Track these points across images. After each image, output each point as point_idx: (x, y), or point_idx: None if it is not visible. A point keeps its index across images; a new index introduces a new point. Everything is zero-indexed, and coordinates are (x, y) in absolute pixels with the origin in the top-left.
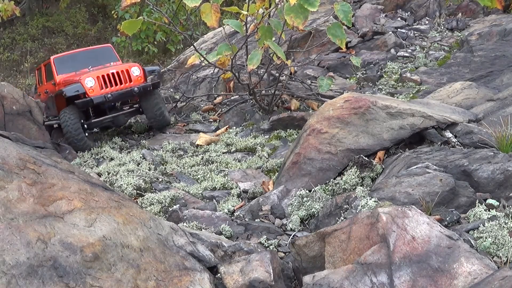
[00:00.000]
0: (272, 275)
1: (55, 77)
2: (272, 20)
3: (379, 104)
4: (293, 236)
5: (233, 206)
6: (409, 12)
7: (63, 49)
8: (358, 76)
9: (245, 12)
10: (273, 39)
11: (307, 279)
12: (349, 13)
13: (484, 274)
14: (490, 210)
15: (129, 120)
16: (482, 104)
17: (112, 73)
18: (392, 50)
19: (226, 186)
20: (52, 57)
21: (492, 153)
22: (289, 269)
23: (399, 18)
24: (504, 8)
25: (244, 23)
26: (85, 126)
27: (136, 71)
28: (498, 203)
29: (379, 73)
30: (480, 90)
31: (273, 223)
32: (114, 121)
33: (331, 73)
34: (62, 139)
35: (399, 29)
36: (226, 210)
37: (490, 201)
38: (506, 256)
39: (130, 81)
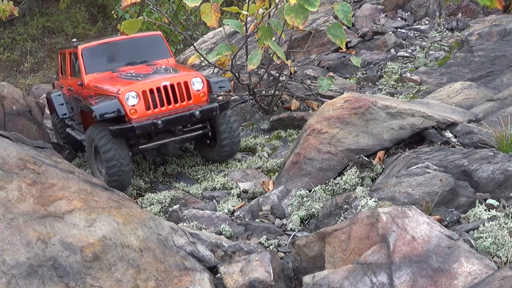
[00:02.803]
0: (272, 275)
1: (83, 76)
2: (272, 20)
3: (379, 104)
4: (293, 236)
5: (233, 206)
6: (409, 12)
7: None
8: (358, 76)
9: (245, 12)
10: (273, 39)
11: (307, 279)
12: (349, 13)
13: (484, 274)
14: (490, 210)
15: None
16: (482, 104)
17: (165, 87)
18: (392, 50)
19: (226, 186)
20: (80, 47)
21: (492, 153)
22: (289, 269)
23: (399, 18)
24: (504, 8)
25: (244, 23)
26: (129, 153)
27: (198, 84)
28: (498, 203)
29: (379, 73)
30: (480, 90)
31: (273, 223)
32: (162, 149)
33: (331, 73)
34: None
35: (399, 29)
36: (226, 210)
37: (490, 201)
38: (506, 256)
39: (189, 98)
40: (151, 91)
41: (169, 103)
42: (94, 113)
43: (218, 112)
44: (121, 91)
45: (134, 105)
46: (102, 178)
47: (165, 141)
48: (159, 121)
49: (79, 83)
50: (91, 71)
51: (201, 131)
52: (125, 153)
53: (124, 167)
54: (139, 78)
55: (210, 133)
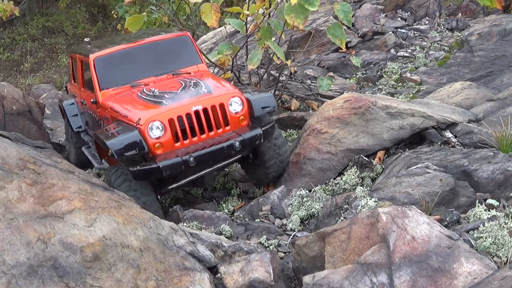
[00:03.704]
0: (272, 275)
1: (97, 93)
2: (272, 20)
3: (379, 104)
4: (293, 236)
5: (233, 206)
6: (409, 12)
7: (63, 49)
8: (358, 76)
9: (246, 12)
10: (273, 39)
11: (307, 279)
12: (349, 13)
13: (484, 274)
14: (490, 210)
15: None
16: (482, 104)
17: (197, 112)
18: (392, 50)
19: (226, 186)
20: (91, 56)
21: (492, 153)
22: (289, 269)
23: (399, 18)
24: (504, 8)
25: (244, 23)
26: (157, 196)
27: (236, 105)
28: (498, 203)
29: (379, 73)
30: (480, 90)
31: (273, 223)
32: (197, 182)
33: (331, 73)
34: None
35: (399, 29)
36: (226, 210)
37: (490, 201)
38: (506, 256)
39: (226, 123)
40: (180, 118)
41: (202, 132)
42: (110, 150)
43: (262, 140)
44: (142, 120)
45: (159, 138)
46: None
47: (200, 175)
48: (191, 159)
49: (92, 100)
50: (106, 86)
51: (240, 155)
52: (150, 199)
53: (149, 208)
54: (164, 101)
55: (251, 155)
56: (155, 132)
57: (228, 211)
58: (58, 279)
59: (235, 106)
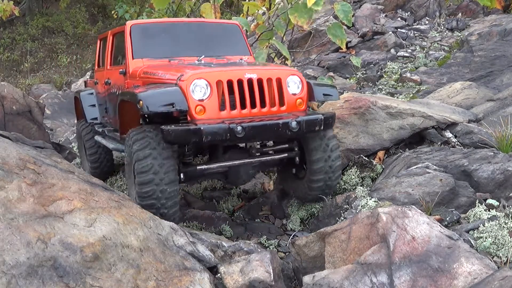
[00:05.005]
0: (272, 275)
1: (127, 62)
2: (276, 21)
3: (379, 104)
4: (293, 236)
5: (233, 206)
6: (409, 12)
7: (63, 49)
8: (358, 76)
9: (262, 10)
10: (273, 38)
11: (307, 279)
12: (349, 13)
13: (484, 274)
14: (490, 210)
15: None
16: (482, 104)
17: (250, 81)
18: (392, 50)
19: (226, 186)
20: (128, 23)
21: (492, 153)
22: (289, 269)
23: (399, 18)
24: (504, 8)
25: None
26: (180, 175)
27: (294, 85)
28: (498, 203)
29: (379, 73)
30: (480, 90)
31: (273, 223)
32: (230, 174)
33: (331, 73)
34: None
35: (399, 29)
36: (226, 210)
37: (490, 201)
38: (506, 256)
39: (282, 103)
40: (230, 83)
41: (253, 105)
42: (141, 102)
43: (322, 127)
44: (185, 76)
45: (202, 100)
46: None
47: (236, 163)
48: (239, 128)
49: (121, 70)
50: (140, 56)
51: (286, 154)
52: (169, 166)
53: (166, 187)
54: (212, 65)
55: (297, 158)
56: (199, 92)
57: (228, 211)
58: (58, 279)
59: (293, 87)
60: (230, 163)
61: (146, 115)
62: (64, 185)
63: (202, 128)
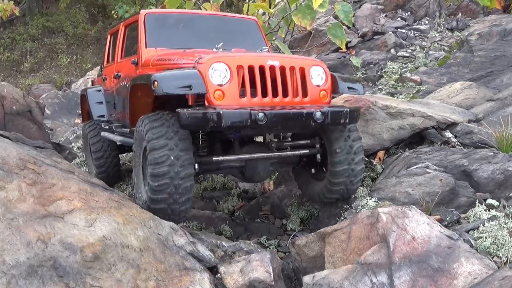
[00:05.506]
0: (272, 275)
1: (140, 51)
2: (273, 21)
3: (379, 104)
4: (293, 236)
5: (233, 206)
6: (409, 12)
7: (63, 49)
8: (358, 76)
9: (271, 11)
10: (273, 38)
11: (307, 279)
12: (350, 14)
13: (484, 274)
14: (490, 210)
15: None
16: (482, 104)
17: (272, 68)
18: (392, 50)
19: (226, 186)
20: (143, 12)
21: (492, 153)
22: (289, 269)
23: (399, 18)
24: (504, 8)
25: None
26: (195, 166)
27: (318, 76)
28: (498, 203)
29: (379, 73)
30: (480, 90)
31: (273, 223)
32: (247, 169)
33: None
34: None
35: (399, 29)
36: (226, 210)
37: (490, 201)
38: (506, 256)
39: (305, 94)
40: (251, 69)
41: (275, 94)
42: (156, 82)
43: (347, 120)
44: (204, 59)
45: (221, 85)
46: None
47: (255, 156)
48: (260, 114)
49: (133, 60)
50: (154, 45)
51: (307, 150)
52: (186, 159)
53: (180, 181)
54: (232, 51)
55: (319, 156)
56: (218, 77)
57: (228, 211)
58: (58, 279)
59: (316, 78)
60: (249, 155)
61: (160, 102)
62: (64, 185)
63: (221, 112)
